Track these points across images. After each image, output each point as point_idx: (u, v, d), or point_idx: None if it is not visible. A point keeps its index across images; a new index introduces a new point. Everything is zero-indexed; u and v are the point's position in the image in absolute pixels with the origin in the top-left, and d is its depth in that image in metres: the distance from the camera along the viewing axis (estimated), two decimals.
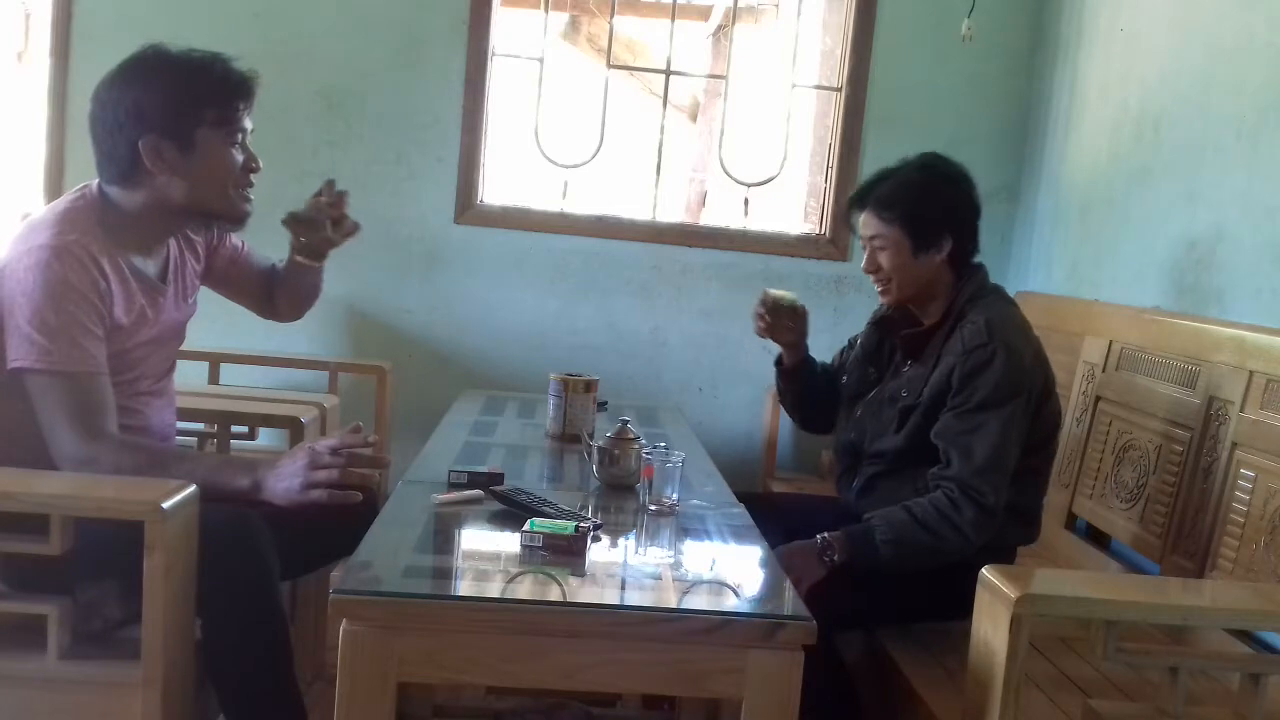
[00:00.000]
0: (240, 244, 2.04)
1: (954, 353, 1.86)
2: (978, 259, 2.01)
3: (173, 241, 1.87)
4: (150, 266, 1.79)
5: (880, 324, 2.12)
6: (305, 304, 2.12)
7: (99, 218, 1.70)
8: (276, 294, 2.09)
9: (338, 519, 1.67)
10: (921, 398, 1.90)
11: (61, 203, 1.72)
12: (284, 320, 2.15)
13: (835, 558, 1.79)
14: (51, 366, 1.59)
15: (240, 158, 1.75)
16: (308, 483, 1.62)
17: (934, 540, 1.77)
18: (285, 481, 1.64)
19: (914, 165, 1.97)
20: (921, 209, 1.92)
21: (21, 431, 1.63)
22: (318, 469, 1.63)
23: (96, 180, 1.75)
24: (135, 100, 1.66)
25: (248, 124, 1.76)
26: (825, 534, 1.81)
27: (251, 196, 1.79)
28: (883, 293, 2.00)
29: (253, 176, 1.78)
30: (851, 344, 2.22)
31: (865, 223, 1.97)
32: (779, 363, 2.24)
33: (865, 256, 2.00)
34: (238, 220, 1.80)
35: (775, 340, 2.18)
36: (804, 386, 2.22)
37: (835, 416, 2.20)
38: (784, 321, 2.14)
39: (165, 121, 1.66)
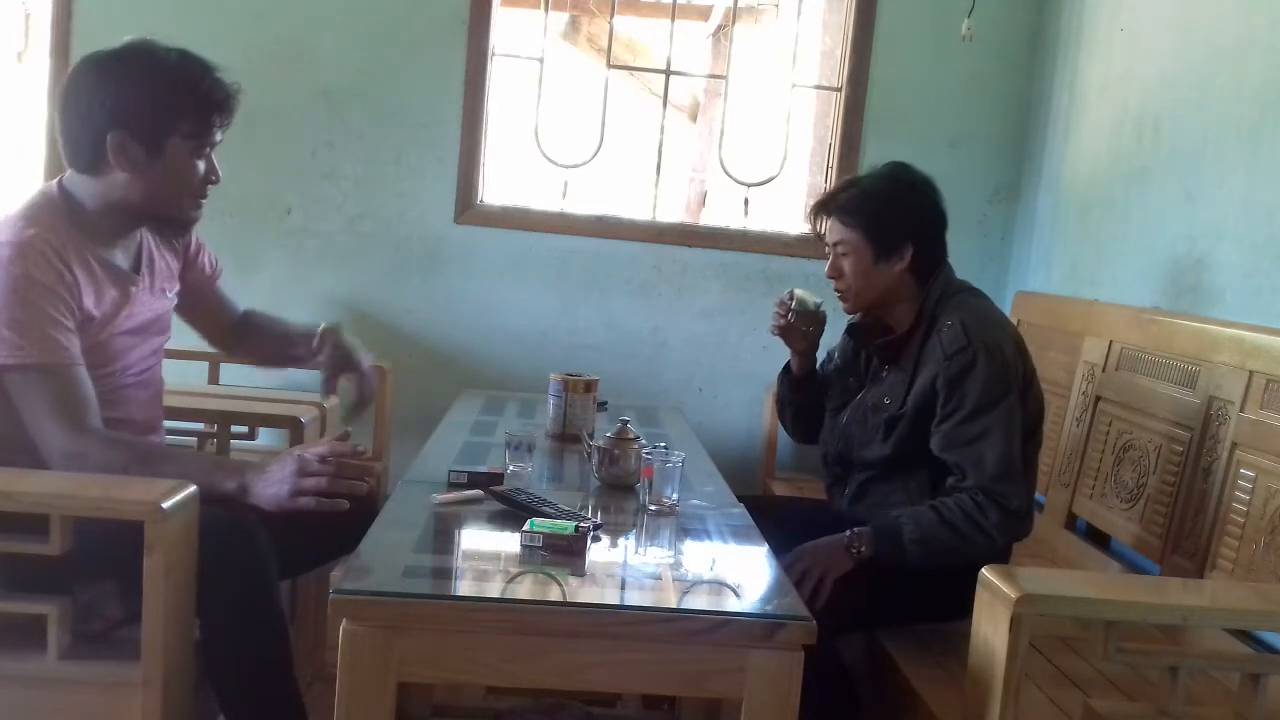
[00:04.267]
0: (214, 267, 2.04)
1: (935, 359, 1.86)
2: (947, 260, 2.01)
3: (146, 236, 1.85)
4: (120, 258, 1.78)
5: (854, 332, 2.12)
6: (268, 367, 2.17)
7: (62, 212, 1.69)
8: (248, 345, 2.10)
9: (337, 519, 1.67)
10: (906, 407, 1.90)
11: (23, 202, 1.71)
12: (234, 360, 2.15)
13: (863, 551, 1.80)
14: (26, 361, 1.59)
15: (203, 169, 1.75)
16: (295, 490, 1.62)
17: (960, 542, 1.77)
18: (273, 487, 1.63)
19: (878, 174, 1.99)
20: (883, 217, 1.93)
21: (6, 433, 1.63)
22: (306, 476, 1.63)
23: (57, 179, 1.74)
24: (114, 94, 1.65)
25: (219, 138, 1.75)
26: (854, 529, 1.82)
27: (204, 205, 1.79)
28: (842, 301, 2.02)
29: (209, 187, 1.78)
30: (830, 356, 2.22)
31: (830, 229, 1.99)
32: (786, 370, 2.23)
33: (829, 262, 2.01)
34: (186, 226, 1.82)
35: (788, 343, 2.17)
36: (808, 397, 2.21)
37: None
38: (802, 326, 2.13)
39: (139, 122, 1.65)
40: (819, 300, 2.13)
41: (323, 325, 2.03)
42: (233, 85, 1.73)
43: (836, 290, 2.01)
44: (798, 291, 2.12)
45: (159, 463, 1.65)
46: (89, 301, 1.68)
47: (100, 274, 1.71)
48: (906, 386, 1.92)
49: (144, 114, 1.65)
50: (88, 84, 1.67)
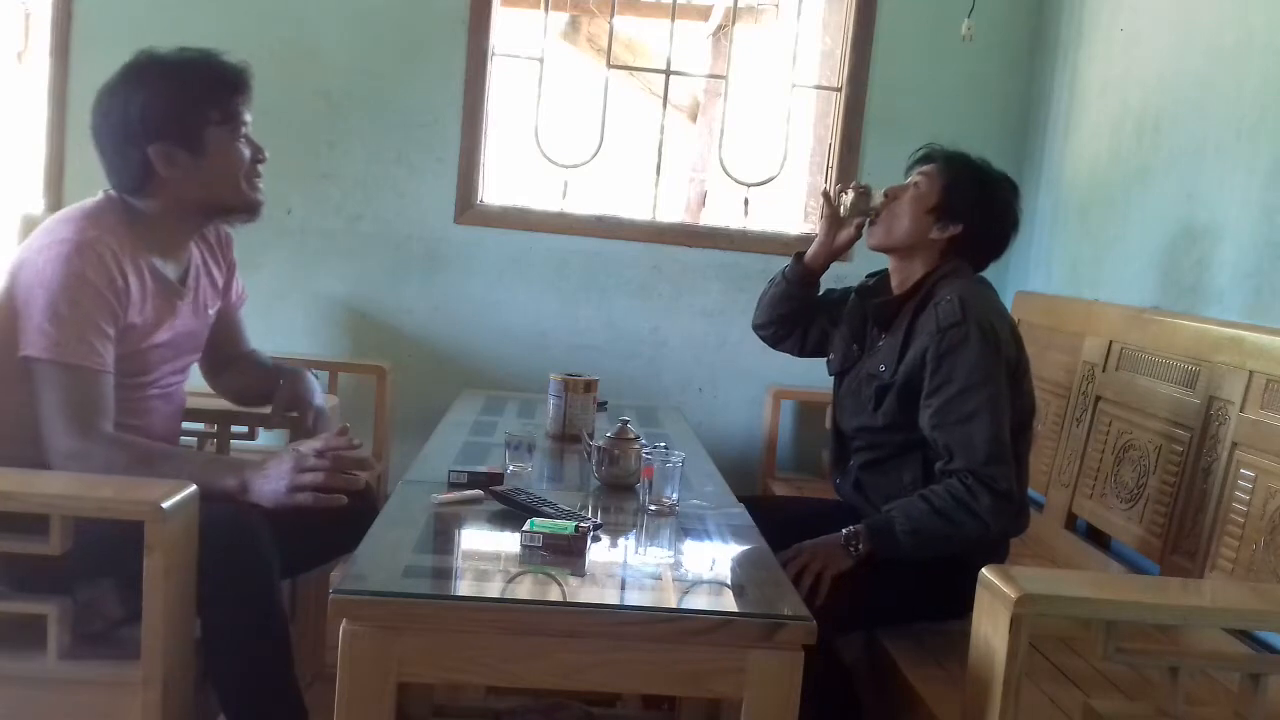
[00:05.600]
0: (240, 294, 2.06)
1: (927, 331, 1.87)
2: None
3: (196, 250, 1.89)
4: (171, 270, 1.82)
5: (863, 293, 2.12)
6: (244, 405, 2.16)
7: (122, 218, 1.72)
8: (234, 381, 2.09)
9: (338, 518, 1.67)
10: (896, 376, 1.91)
11: (85, 203, 1.75)
12: (213, 388, 2.13)
13: (859, 548, 1.80)
14: (57, 358, 1.61)
15: (247, 151, 1.78)
16: (294, 485, 1.63)
17: (954, 529, 1.77)
18: (272, 484, 1.64)
19: (994, 167, 2.04)
20: (967, 188, 1.96)
21: (26, 422, 1.64)
22: (303, 471, 1.64)
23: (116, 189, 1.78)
24: (140, 109, 1.68)
25: (248, 117, 1.78)
26: (849, 527, 1.83)
27: (262, 186, 1.83)
28: (873, 225, 2.02)
29: (260, 166, 1.82)
30: (834, 291, 2.22)
31: (922, 166, 2.01)
32: (798, 258, 2.20)
33: (898, 184, 2.01)
34: (252, 210, 1.83)
35: (823, 223, 2.14)
36: (801, 294, 2.21)
37: (795, 338, 2.24)
38: (850, 218, 2.10)
39: (173, 127, 1.69)
40: (877, 207, 2.04)
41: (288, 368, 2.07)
42: (241, 62, 1.76)
43: (880, 208, 2.01)
44: (875, 190, 2.06)
45: (159, 462, 1.66)
46: (134, 310, 1.70)
47: (150, 284, 1.74)
48: (898, 355, 1.92)
49: (174, 116, 1.69)
50: (112, 109, 1.71)
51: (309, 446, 1.67)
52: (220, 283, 1.97)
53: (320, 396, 2.05)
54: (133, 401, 1.75)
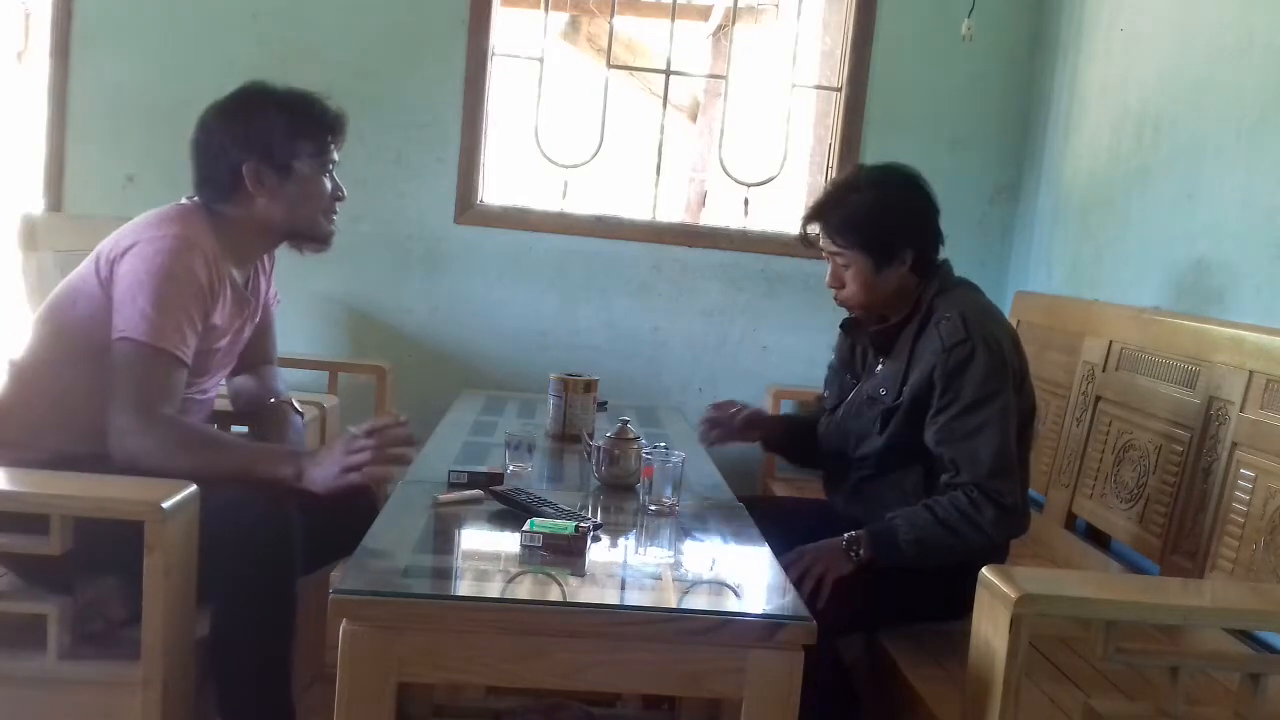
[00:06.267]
0: (276, 295, 2.12)
1: (932, 350, 1.86)
2: (942, 255, 1.99)
3: (258, 261, 1.96)
4: (240, 279, 1.90)
5: (848, 327, 2.12)
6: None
7: (207, 224, 1.81)
8: (242, 385, 2.10)
9: (336, 518, 1.68)
10: (901, 398, 1.90)
11: (172, 206, 1.82)
12: (227, 385, 2.14)
13: (861, 553, 1.80)
14: (152, 341, 1.67)
15: (330, 186, 1.90)
16: (345, 466, 1.68)
17: (956, 540, 1.77)
18: (324, 468, 1.70)
19: (865, 183, 1.95)
20: (878, 230, 1.91)
21: (89, 409, 1.67)
22: (353, 453, 1.69)
23: (195, 199, 1.86)
24: (242, 130, 1.80)
25: (336, 157, 1.90)
26: (851, 532, 1.83)
27: (336, 221, 1.95)
28: (845, 307, 2.01)
29: (337, 204, 1.93)
30: (831, 365, 2.22)
31: (825, 242, 1.96)
32: (766, 444, 2.27)
33: (829, 272, 1.98)
34: (324, 240, 1.94)
35: (737, 438, 2.19)
36: (800, 446, 2.21)
37: None
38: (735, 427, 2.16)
39: (268, 150, 1.81)
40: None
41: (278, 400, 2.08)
42: (339, 107, 1.91)
43: (838, 300, 2.00)
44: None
45: (212, 448, 1.73)
46: (217, 312, 1.80)
47: (230, 291, 1.84)
48: (901, 378, 1.91)
49: (272, 141, 1.81)
50: (217, 127, 1.82)
51: (359, 429, 1.73)
52: (263, 294, 2.03)
53: (299, 430, 2.07)
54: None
